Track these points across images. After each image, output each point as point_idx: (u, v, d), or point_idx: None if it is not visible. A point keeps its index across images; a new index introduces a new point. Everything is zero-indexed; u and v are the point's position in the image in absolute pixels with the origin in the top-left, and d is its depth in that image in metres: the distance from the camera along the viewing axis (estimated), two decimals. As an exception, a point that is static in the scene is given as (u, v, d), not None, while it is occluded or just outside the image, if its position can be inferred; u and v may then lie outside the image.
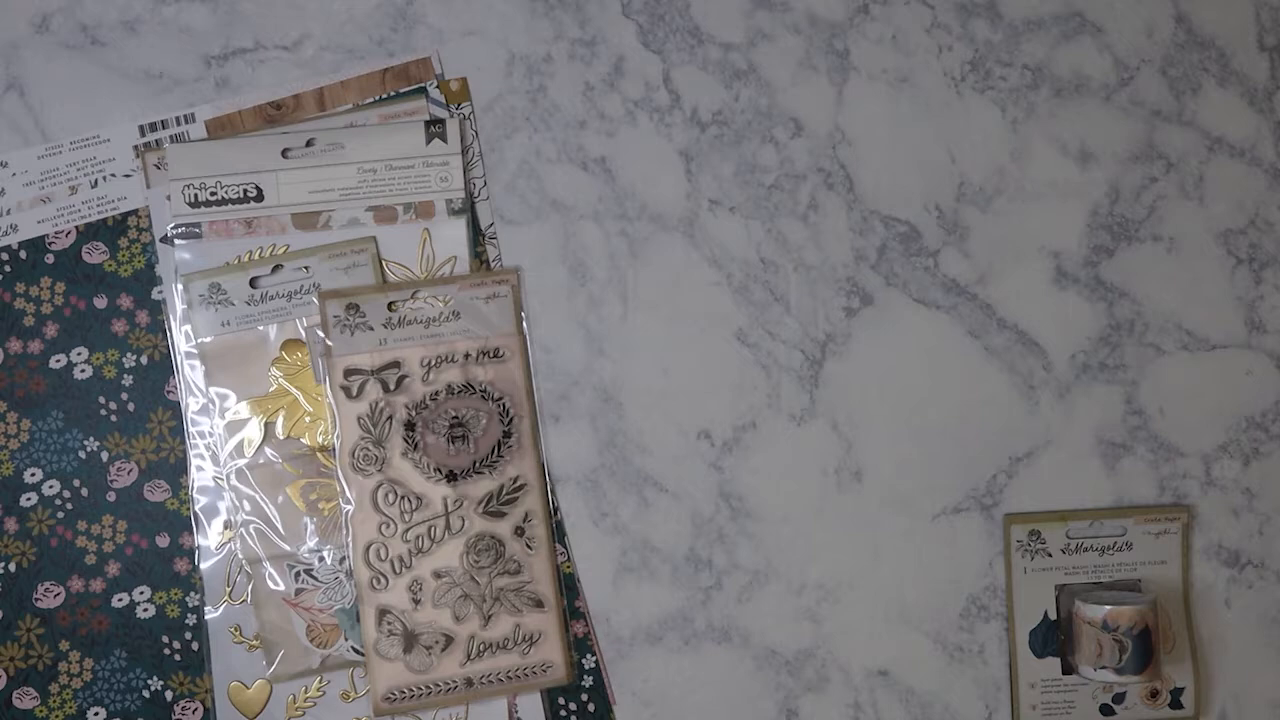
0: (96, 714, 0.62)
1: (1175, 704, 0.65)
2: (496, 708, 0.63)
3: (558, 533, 0.64)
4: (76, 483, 0.63)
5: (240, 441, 0.62)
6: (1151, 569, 0.65)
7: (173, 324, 0.63)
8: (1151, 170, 0.67)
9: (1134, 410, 0.67)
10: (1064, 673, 0.65)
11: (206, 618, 0.62)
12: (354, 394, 0.62)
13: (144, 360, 0.63)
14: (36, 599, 0.62)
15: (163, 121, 0.64)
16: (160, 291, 0.64)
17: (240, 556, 0.62)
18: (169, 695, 0.62)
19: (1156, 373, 0.67)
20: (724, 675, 0.65)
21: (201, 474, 0.63)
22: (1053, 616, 0.65)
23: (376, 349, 0.62)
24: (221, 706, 0.62)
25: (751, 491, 0.65)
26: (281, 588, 0.62)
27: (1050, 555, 0.65)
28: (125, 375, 0.63)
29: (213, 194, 0.63)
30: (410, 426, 0.62)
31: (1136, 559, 0.65)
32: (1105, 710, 0.65)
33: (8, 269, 0.63)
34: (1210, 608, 0.67)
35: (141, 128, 0.64)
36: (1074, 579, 0.65)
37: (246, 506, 0.62)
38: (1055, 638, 0.65)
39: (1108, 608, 0.61)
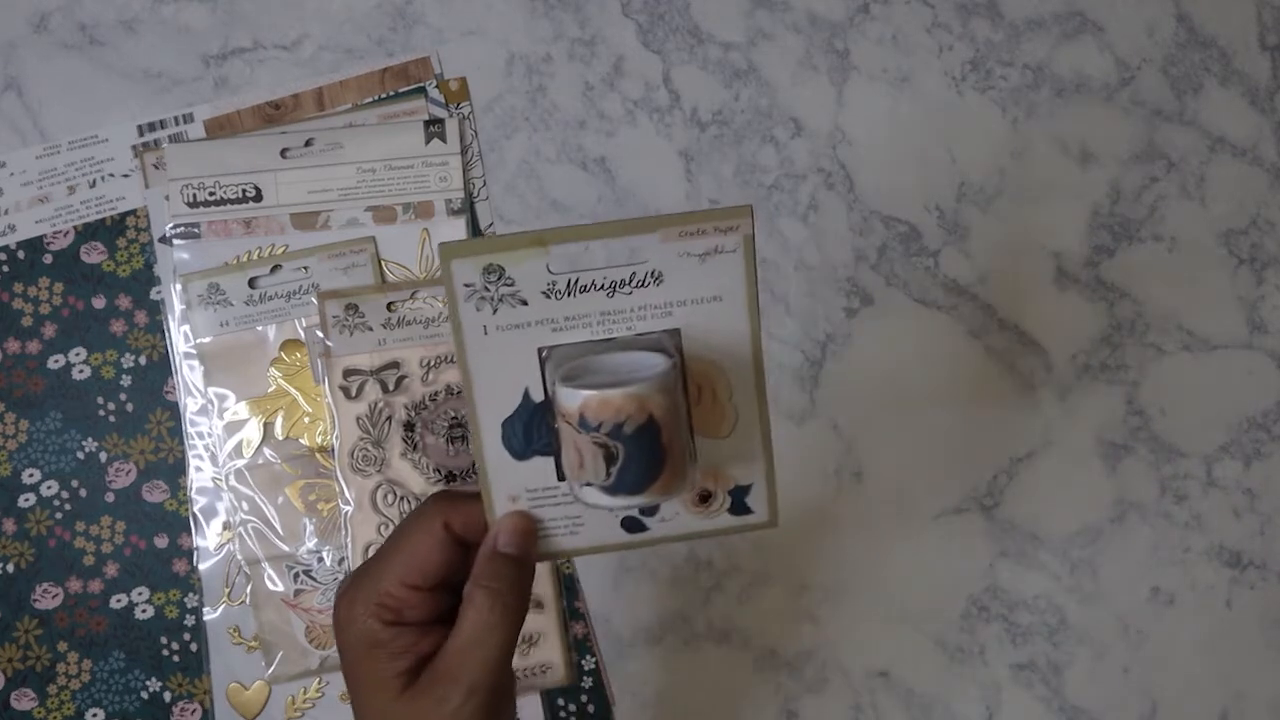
0: (95, 715, 0.62)
1: (740, 507, 0.44)
2: (496, 709, 0.63)
3: (557, 533, 0.64)
4: (75, 483, 0.63)
5: (239, 442, 0.62)
6: (697, 311, 0.41)
7: (171, 324, 0.63)
8: (1152, 170, 0.67)
9: (1135, 411, 0.67)
10: (560, 479, 0.43)
11: (205, 619, 0.62)
12: (353, 394, 0.62)
13: (142, 360, 0.63)
14: (35, 600, 0.62)
15: (161, 121, 0.64)
16: (159, 292, 0.63)
17: (239, 557, 0.62)
18: (168, 696, 0.62)
19: (1157, 373, 0.67)
20: (724, 676, 0.65)
21: (200, 474, 0.62)
22: (537, 397, 0.42)
23: (375, 349, 0.62)
24: (220, 707, 0.62)
25: (751, 492, 0.65)
26: (280, 589, 0.62)
27: (526, 303, 0.40)
28: (124, 376, 0.63)
29: (211, 194, 0.63)
30: (410, 427, 0.62)
31: (671, 297, 0.41)
32: (632, 526, 0.44)
33: (6, 269, 0.63)
34: (1210, 608, 0.66)
35: (140, 127, 0.64)
36: (568, 335, 0.41)
37: (245, 507, 0.62)
38: (543, 428, 0.42)
39: (584, 394, 0.39)
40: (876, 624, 0.65)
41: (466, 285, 0.40)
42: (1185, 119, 0.67)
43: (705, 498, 0.44)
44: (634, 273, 0.40)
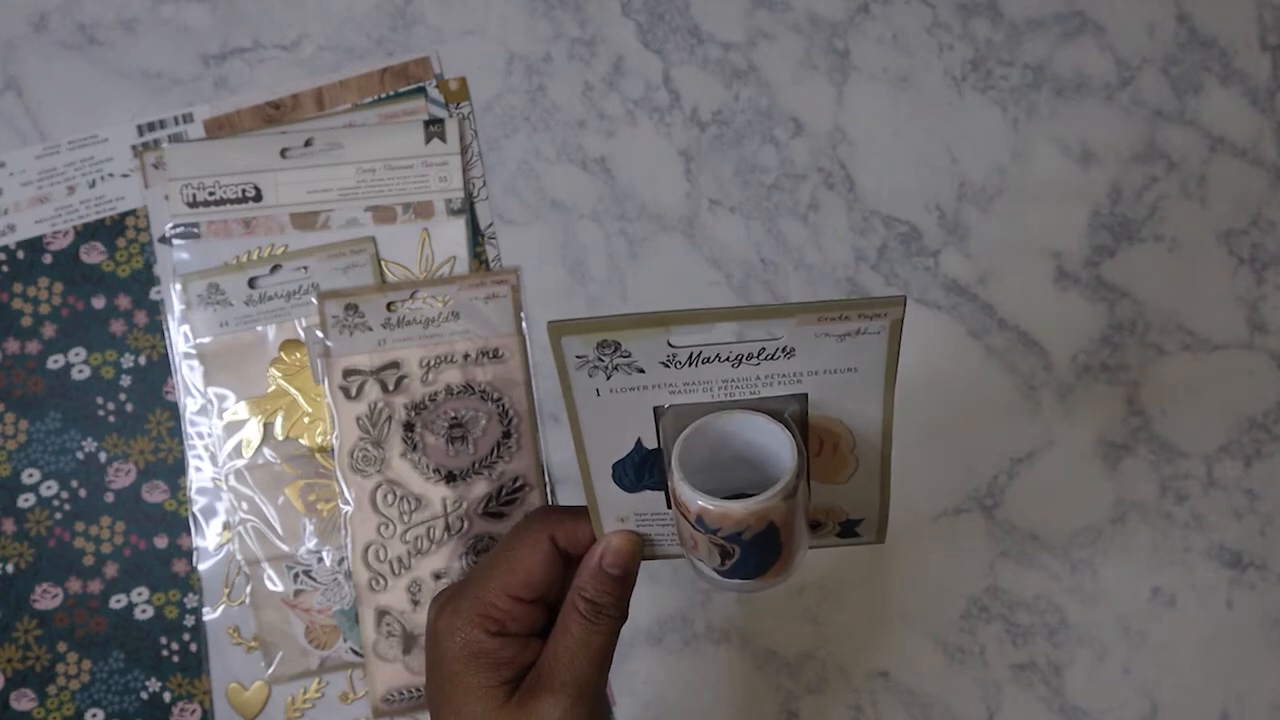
0: (94, 715, 0.62)
1: (848, 533, 0.45)
2: (496, 709, 0.63)
3: (557, 534, 0.64)
4: (74, 483, 0.63)
5: (239, 442, 0.62)
6: (828, 380, 0.39)
7: (171, 324, 0.63)
8: (1153, 170, 0.67)
9: (1135, 411, 0.67)
10: (670, 506, 0.43)
11: (205, 619, 0.62)
12: (353, 394, 0.62)
13: (142, 361, 0.63)
14: (34, 600, 0.62)
15: (161, 121, 0.64)
16: (158, 292, 0.63)
17: (239, 557, 0.62)
18: (167, 697, 0.62)
19: (1158, 373, 0.67)
20: (724, 676, 0.65)
21: (200, 475, 0.62)
22: (650, 445, 0.42)
23: (375, 349, 0.62)
24: (220, 708, 0.62)
25: (751, 492, 0.65)
26: (280, 589, 0.62)
27: (643, 371, 0.39)
28: (123, 376, 0.63)
29: (211, 194, 0.63)
30: (409, 427, 0.62)
31: (801, 368, 0.38)
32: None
33: (5, 269, 0.63)
34: (1211, 608, 0.66)
35: (139, 127, 0.64)
36: (687, 397, 0.39)
37: (245, 507, 0.62)
38: (655, 469, 0.42)
39: (701, 504, 0.38)
40: (876, 624, 0.65)
41: (578, 357, 0.38)
42: (1185, 119, 0.67)
43: (815, 526, 0.44)
44: (764, 348, 0.38)
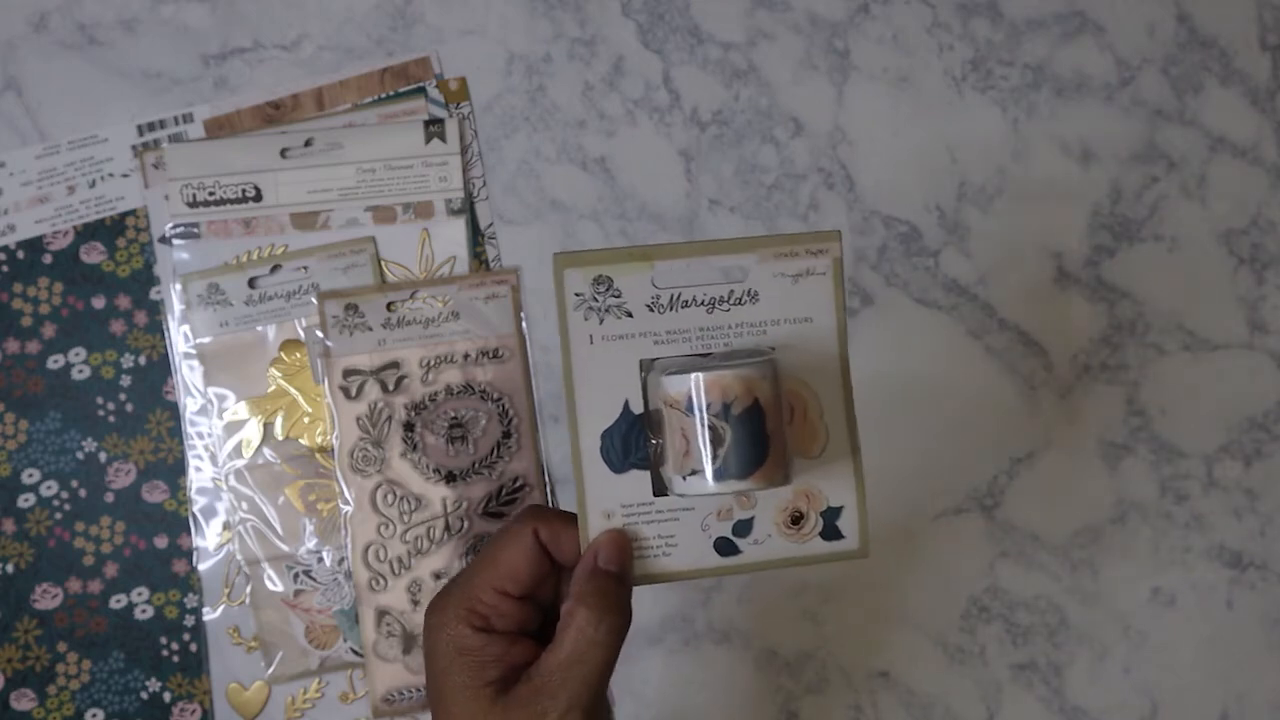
0: (94, 715, 0.62)
1: (831, 532, 0.45)
2: (496, 709, 0.63)
3: (557, 534, 0.64)
4: (74, 483, 0.63)
5: (239, 442, 0.62)
6: (790, 331, 0.44)
7: (171, 324, 0.63)
8: (1153, 170, 0.67)
9: (1135, 411, 0.67)
10: (656, 494, 0.44)
11: (205, 619, 0.62)
12: (353, 394, 0.62)
13: (142, 361, 0.63)
14: (34, 600, 0.62)
15: (161, 121, 0.64)
16: (158, 292, 0.63)
17: (239, 557, 0.62)
18: (167, 697, 0.62)
19: (1158, 373, 0.67)
20: (724, 676, 0.65)
21: (200, 475, 0.62)
22: (637, 409, 0.44)
23: (375, 349, 0.62)
24: (220, 708, 0.62)
25: (751, 492, 0.65)
26: (280, 589, 0.62)
27: (631, 315, 0.43)
28: (123, 376, 0.63)
29: (211, 194, 0.63)
30: (409, 427, 0.62)
31: (765, 316, 0.43)
32: (725, 548, 0.44)
33: (5, 269, 0.63)
34: (1211, 608, 0.66)
35: (139, 127, 0.64)
36: (669, 348, 0.43)
37: (245, 507, 0.62)
38: (641, 440, 0.44)
39: (694, 375, 0.41)
40: (876, 624, 0.65)
41: (576, 295, 0.42)
42: (1185, 119, 0.67)
43: (797, 519, 0.45)
44: (732, 290, 0.43)
